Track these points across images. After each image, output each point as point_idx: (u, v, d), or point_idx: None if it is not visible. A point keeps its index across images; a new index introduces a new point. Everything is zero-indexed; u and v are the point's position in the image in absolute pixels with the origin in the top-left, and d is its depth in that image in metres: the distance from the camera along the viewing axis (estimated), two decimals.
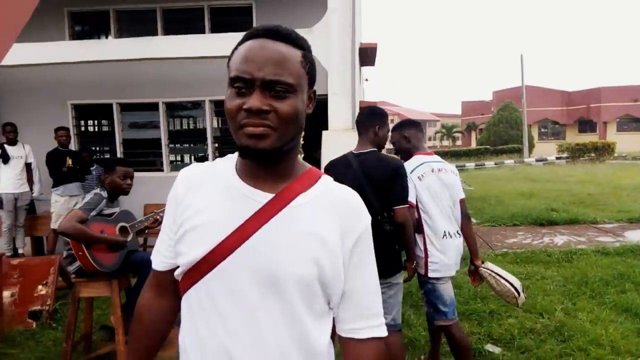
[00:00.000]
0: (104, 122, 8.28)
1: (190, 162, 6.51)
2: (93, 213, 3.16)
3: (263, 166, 0.99)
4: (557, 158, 24.06)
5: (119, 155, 7.82)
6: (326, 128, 6.02)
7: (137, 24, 7.93)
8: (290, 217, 0.97)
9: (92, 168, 6.78)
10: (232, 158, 1.06)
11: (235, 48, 0.98)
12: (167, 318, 1.15)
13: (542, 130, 46.01)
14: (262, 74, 0.90)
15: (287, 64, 0.93)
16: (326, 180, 1.06)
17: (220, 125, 7.75)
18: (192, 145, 8.34)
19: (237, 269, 0.95)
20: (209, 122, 7.59)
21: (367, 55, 13.89)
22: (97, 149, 8.16)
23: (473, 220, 8.54)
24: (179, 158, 8.33)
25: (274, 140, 0.92)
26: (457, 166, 24.02)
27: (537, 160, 24.21)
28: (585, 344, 3.30)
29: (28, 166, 6.42)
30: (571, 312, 3.92)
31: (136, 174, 3.69)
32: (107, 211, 3.31)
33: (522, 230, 7.52)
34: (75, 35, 7.98)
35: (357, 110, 7.63)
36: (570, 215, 8.11)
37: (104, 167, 3.52)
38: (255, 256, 0.95)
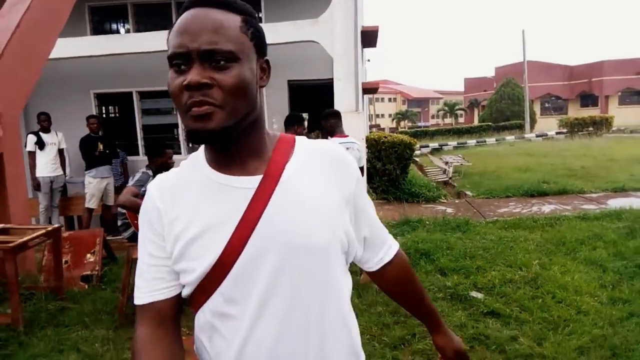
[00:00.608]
0: (124, 109, 8.87)
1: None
2: (143, 189, 3.80)
3: (228, 150, 0.91)
4: (557, 133, 24.50)
5: (139, 139, 8.45)
6: (316, 114, 6.61)
7: (154, 17, 8.48)
8: (286, 192, 0.91)
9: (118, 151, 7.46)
10: (197, 155, 0.98)
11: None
12: (179, 352, 0.94)
13: (545, 105, 46.25)
14: (197, 45, 0.81)
15: (225, 31, 0.83)
16: (302, 141, 1.01)
17: None
18: None
19: (254, 263, 0.88)
20: None
21: (368, 38, 14.36)
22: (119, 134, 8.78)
23: (469, 193, 9.17)
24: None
25: (222, 119, 0.83)
26: (458, 143, 24.54)
27: (537, 136, 24.65)
28: (554, 288, 3.95)
29: (61, 152, 7.05)
30: (546, 266, 4.56)
31: None
32: None
33: (513, 201, 8.15)
34: (94, 29, 8.55)
35: (361, 92, 8.20)
36: (559, 187, 8.73)
37: (156, 151, 4.14)
38: (268, 244, 0.88)
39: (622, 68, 41.11)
